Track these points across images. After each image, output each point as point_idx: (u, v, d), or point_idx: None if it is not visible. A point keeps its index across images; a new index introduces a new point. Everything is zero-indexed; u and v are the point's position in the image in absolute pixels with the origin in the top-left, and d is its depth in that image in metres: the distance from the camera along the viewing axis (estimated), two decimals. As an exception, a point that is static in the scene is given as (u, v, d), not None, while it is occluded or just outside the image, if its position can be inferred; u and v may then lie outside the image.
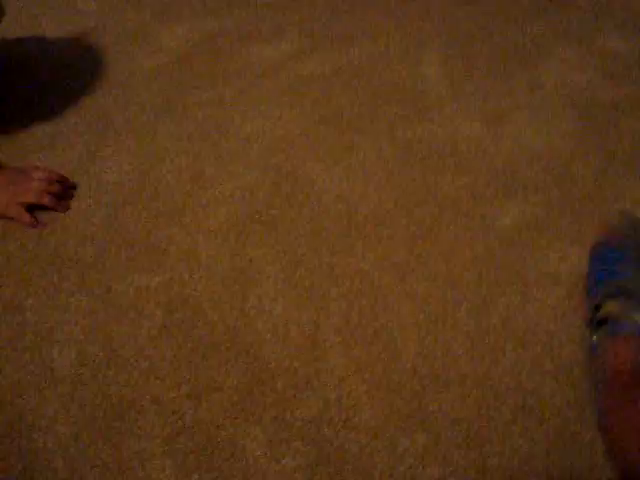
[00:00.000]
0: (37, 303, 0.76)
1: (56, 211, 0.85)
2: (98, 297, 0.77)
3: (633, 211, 0.86)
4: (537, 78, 1.13)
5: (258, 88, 1.08)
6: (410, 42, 1.20)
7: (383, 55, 1.17)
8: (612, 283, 0.69)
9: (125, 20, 1.24)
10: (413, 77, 1.11)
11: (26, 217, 0.84)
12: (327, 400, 0.68)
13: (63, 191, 0.87)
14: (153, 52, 1.16)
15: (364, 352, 0.72)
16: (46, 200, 0.84)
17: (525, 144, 0.98)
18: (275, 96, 1.06)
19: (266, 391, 0.69)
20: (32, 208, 0.85)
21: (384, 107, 1.04)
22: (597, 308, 0.69)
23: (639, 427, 0.59)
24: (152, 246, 0.82)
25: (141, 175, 0.92)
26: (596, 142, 1.00)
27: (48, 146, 0.97)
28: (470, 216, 0.86)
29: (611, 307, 0.67)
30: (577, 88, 1.11)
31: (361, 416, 0.67)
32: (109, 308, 0.76)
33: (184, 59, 1.14)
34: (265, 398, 0.68)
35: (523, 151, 0.97)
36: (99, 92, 1.08)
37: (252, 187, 0.89)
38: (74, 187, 0.89)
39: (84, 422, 0.66)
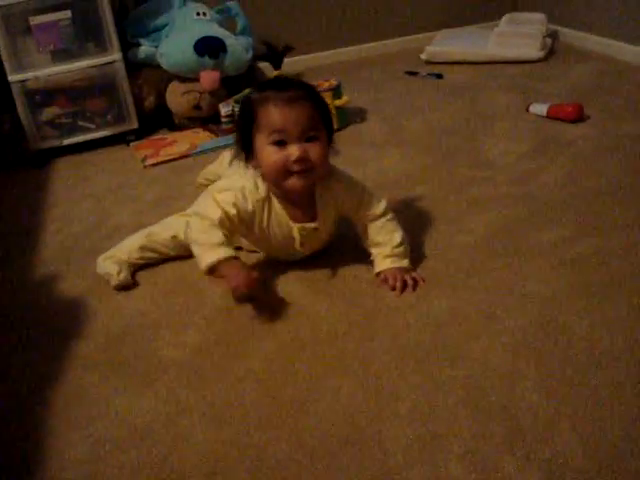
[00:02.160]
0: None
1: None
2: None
3: None
4: None
5: (537, 261, 1.56)
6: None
7: (635, 241, 1.59)
8: None
9: (448, 204, 1.82)
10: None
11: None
12: None
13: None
14: (463, 231, 1.71)
15: None
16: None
17: None
18: (549, 268, 1.53)
19: None
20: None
21: (630, 282, 1.44)
22: None
23: None
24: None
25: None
26: None
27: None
28: None
29: None
30: None
31: None
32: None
33: (488, 238, 1.67)
34: None
35: None
36: (436, 258, 1.63)
37: (529, 326, 1.36)
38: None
39: None
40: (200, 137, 2.54)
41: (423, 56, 3.15)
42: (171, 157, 2.40)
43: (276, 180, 1.44)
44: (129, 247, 1.69)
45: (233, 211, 1.45)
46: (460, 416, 1.17)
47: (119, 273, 1.63)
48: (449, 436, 1.14)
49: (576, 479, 1.04)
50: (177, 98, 2.61)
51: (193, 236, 1.45)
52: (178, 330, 1.47)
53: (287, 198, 1.49)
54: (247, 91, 2.62)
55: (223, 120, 2.60)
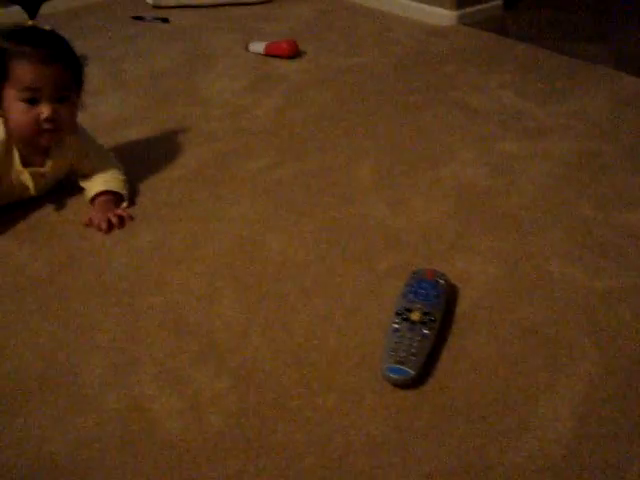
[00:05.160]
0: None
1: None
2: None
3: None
4: (438, 174, 1.65)
5: (242, 188, 1.62)
6: (353, 154, 1.75)
7: (331, 163, 1.71)
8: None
9: (163, 142, 1.84)
10: (349, 177, 1.65)
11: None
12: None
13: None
14: (175, 166, 1.73)
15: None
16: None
17: (413, 219, 1.49)
18: (253, 193, 1.60)
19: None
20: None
21: (325, 198, 1.57)
22: (408, 310, 1.17)
23: None
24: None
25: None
26: (466, 216, 1.50)
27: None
28: (359, 265, 1.36)
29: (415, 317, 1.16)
30: (465, 180, 1.62)
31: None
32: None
33: (198, 171, 1.71)
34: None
35: (410, 223, 1.48)
36: (146, 195, 1.64)
37: (229, 249, 1.42)
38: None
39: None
40: None
41: (149, 1, 3.09)
42: None
43: (23, 135, 1.44)
44: None
45: None
46: (157, 339, 1.20)
47: None
48: (145, 359, 1.16)
49: (263, 380, 1.12)
50: None
51: None
52: None
53: (24, 144, 1.47)
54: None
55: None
